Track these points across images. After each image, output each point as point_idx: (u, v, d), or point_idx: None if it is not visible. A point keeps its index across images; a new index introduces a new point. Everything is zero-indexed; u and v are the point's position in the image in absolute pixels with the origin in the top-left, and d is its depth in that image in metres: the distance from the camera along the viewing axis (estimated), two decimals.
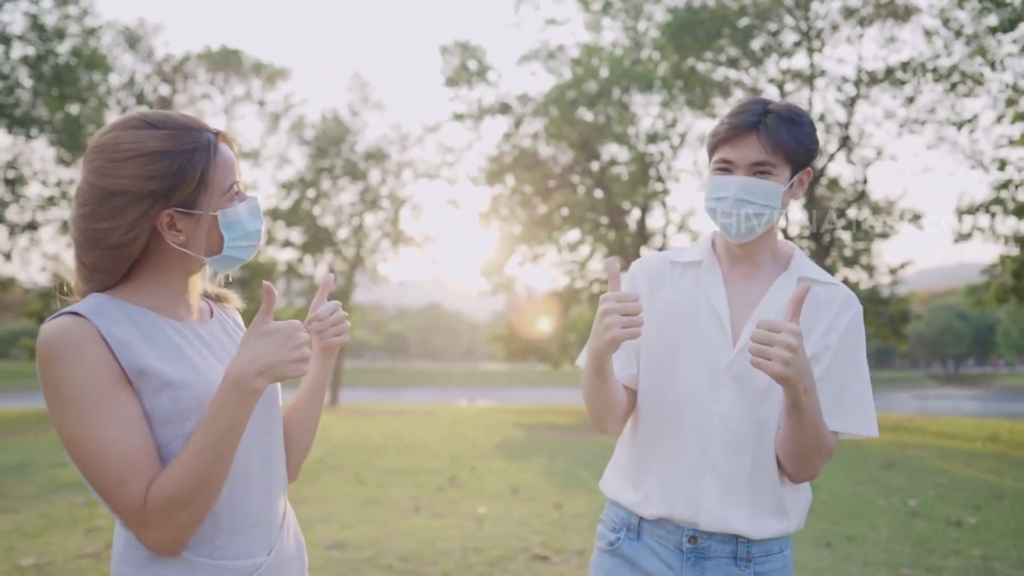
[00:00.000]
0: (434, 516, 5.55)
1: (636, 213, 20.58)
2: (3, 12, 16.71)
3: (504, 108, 20.78)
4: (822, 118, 18.67)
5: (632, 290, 1.52)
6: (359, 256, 24.88)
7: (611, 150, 20.36)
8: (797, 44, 18.55)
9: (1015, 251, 15.29)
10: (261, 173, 24.75)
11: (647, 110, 20.28)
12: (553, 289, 21.91)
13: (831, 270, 18.39)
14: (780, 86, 18.96)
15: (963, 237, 15.61)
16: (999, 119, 15.30)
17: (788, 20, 18.35)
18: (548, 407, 23.50)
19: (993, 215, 15.20)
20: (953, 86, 15.99)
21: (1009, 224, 15.30)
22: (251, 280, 19.64)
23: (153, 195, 1.04)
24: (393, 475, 7.59)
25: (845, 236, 18.86)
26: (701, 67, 18.63)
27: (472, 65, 20.92)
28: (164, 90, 22.38)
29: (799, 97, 19.03)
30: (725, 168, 1.38)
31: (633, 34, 20.39)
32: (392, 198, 25.14)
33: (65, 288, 1.15)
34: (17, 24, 17.20)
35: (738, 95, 18.74)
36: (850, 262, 19.33)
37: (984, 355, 79.77)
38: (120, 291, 1.10)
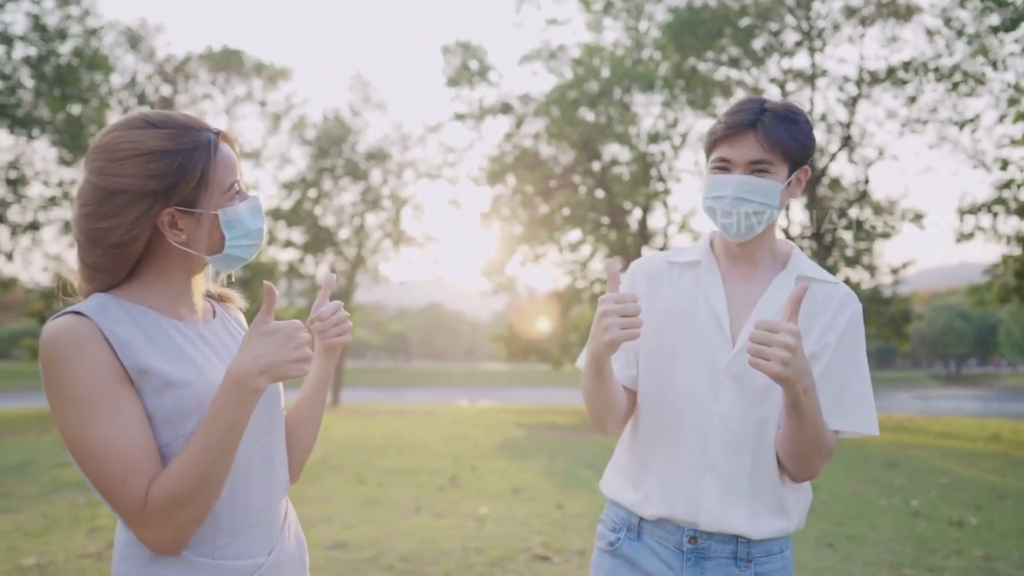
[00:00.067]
0: (435, 516, 5.55)
1: (637, 213, 20.58)
2: (5, 12, 16.73)
3: (505, 108, 20.79)
4: (824, 118, 18.65)
5: (631, 291, 1.51)
6: (360, 256, 24.89)
7: (612, 150, 20.36)
8: (799, 44, 18.53)
9: (1017, 251, 15.27)
10: (262, 173, 24.78)
11: (648, 110, 20.29)
12: (554, 289, 21.91)
13: (833, 270, 18.36)
14: (782, 86, 18.94)
15: (965, 237, 15.59)
16: (1001, 119, 15.28)
17: (789, 20, 18.34)
18: (549, 407, 23.50)
19: (995, 215, 15.17)
20: (955, 86, 15.96)
21: (1011, 224, 15.28)
22: (252, 280, 19.66)
23: (153, 194, 1.04)
24: (394, 475, 7.60)
25: (847, 236, 18.84)
26: (702, 67, 18.62)
27: (473, 65, 20.93)
28: (165, 90, 22.40)
29: (800, 97, 19.01)
30: (723, 167, 1.38)
31: (634, 34, 20.39)
32: (393, 198, 25.16)
33: (68, 288, 1.16)
34: (19, 24, 17.24)
35: (739, 95, 18.72)
36: (852, 262, 19.30)
37: (986, 355, 79.66)
38: (123, 291, 1.10)
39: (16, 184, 18.03)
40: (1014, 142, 14.80)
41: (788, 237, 18.65)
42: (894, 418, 19.31)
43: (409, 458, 9.05)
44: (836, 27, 18.08)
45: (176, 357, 1.06)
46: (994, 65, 15.00)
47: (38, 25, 17.00)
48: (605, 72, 19.29)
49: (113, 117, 19.17)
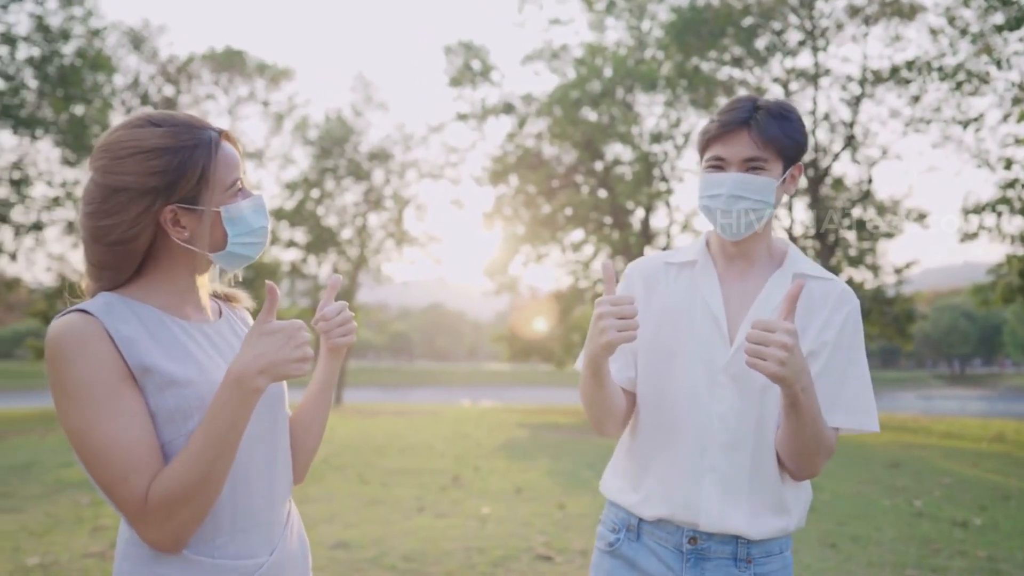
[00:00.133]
0: (438, 516, 5.55)
1: (640, 213, 20.57)
2: (8, 13, 16.79)
3: (508, 108, 20.79)
4: (827, 117, 18.63)
5: (628, 292, 1.51)
6: (363, 256, 24.92)
7: (615, 150, 20.36)
8: (802, 43, 18.50)
9: (1021, 250, 15.24)
10: (265, 173, 24.80)
11: (651, 110, 20.28)
12: (557, 289, 21.92)
13: (836, 270, 18.32)
14: (784, 85, 18.91)
15: (969, 236, 15.56)
16: (1005, 118, 15.25)
17: (792, 19, 18.32)
18: (552, 407, 23.49)
19: (999, 214, 15.14)
20: (959, 85, 15.92)
21: (1015, 223, 15.26)
22: (255, 280, 19.67)
23: (154, 191, 1.05)
24: (397, 475, 7.60)
25: (850, 236, 18.80)
26: (705, 66, 18.60)
27: (476, 65, 20.94)
28: (168, 91, 22.45)
29: (804, 96, 18.99)
30: (718, 165, 1.38)
31: (637, 33, 20.37)
32: (396, 198, 25.18)
33: (76, 289, 1.17)
34: (22, 25, 17.29)
35: (742, 95, 18.68)
36: (855, 262, 19.26)
37: (990, 355, 79.40)
38: (129, 290, 1.11)
39: (20, 184, 18.08)
40: (1018, 141, 14.77)
41: (792, 237, 18.70)
42: (898, 418, 19.26)
43: (411, 458, 9.05)
44: (839, 26, 18.04)
45: (179, 356, 1.07)
46: (998, 64, 14.96)
47: (41, 26, 17.05)
48: (608, 72, 19.29)
49: (116, 117, 19.22)
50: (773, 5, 17.76)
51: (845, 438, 11.83)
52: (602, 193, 20.40)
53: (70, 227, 18.35)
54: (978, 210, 15.29)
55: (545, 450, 10.24)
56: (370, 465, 8.29)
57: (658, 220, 35.73)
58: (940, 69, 16.19)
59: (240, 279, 1.31)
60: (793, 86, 18.93)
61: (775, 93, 18.95)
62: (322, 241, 24.16)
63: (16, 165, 18.07)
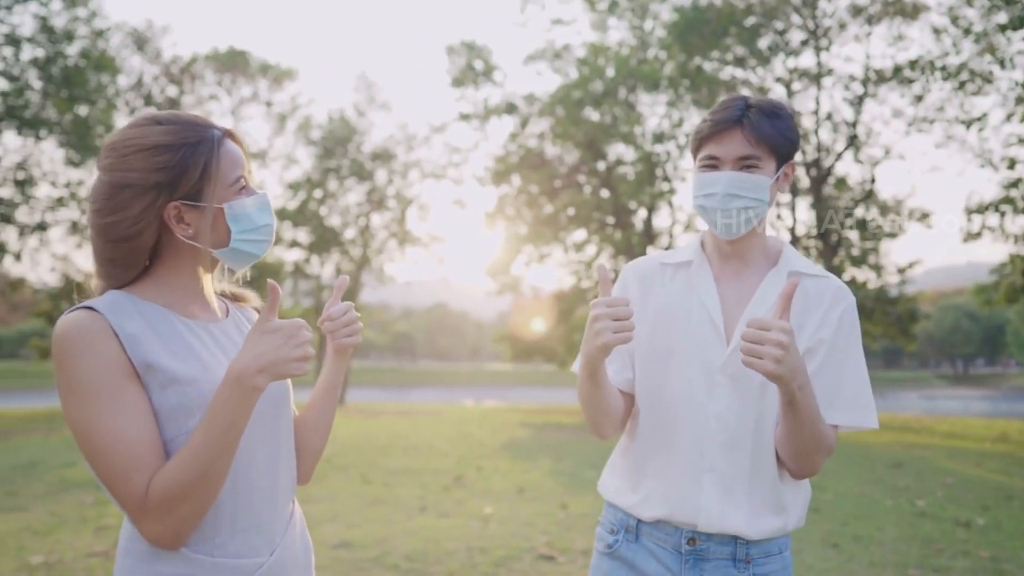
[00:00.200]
0: (440, 516, 5.56)
1: (642, 213, 20.57)
2: (13, 14, 16.83)
3: (510, 108, 20.80)
4: (830, 117, 18.59)
5: (623, 294, 1.51)
6: (366, 256, 24.96)
7: (617, 150, 20.35)
8: (804, 43, 18.48)
9: None
10: (268, 173, 24.83)
11: (653, 109, 20.28)
12: (559, 289, 21.91)
13: (839, 269, 18.30)
14: (787, 85, 18.89)
15: (972, 236, 15.51)
16: (1008, 117, 15.20)
17: (795, 19, 18.29)
18: (554, 407, 23.49)
19: (1002, 214, 15.09)
20: (962, 84, 15.88)
21: (1019, 223, 15.21)
22: (258, 279, 19.56)
23: (158, 187, 1.06)
24: (399, 475, 7.61)
25: (853, 235, 18.76)
26: (708, 66, 18.59)
27: (478, 65, 20.96)
28: (172, 91, 22.51)
29: (806, 96, 18.96)
30: (712, 164, 1.38)
31: (639, 33, 20.36)
32: (398, 198, 25.21)
33: (83, 288, 1.17)
34: (27, 26, 17.37)
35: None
36: (858, 261, 19.22)
37: (994, 355, 79.15)
38: (136, 288, 1.12)
39: (24, 185, 18.12)
40: (1021, 140, 14.73)
41: (795, 237, 18.66)
42: (900, 418, 19.22)
43: (414, 458, 9.06)
44: (842, 26, 18.01)
45: (183, 354, 1.08)
46: (1001, 63, 14.92)
47: (45, 27, 17.09)
48: (610, 72, 19.29)
49: (120, 118, 19.25)
50: (776, 5, 17.74)
51: (847, 438, 11.79)
52: (604, 193, 20.39)
53: (74, 227, 18.37)
54: (981, 210, 15.25)
55: (547, 450, 10.24)
56: (373, 465, 8.30)
57: (660, 220, 35.70)
58: (943, 68, 16.15)
59: (248, 279, 1.32)
60: (796, 86, 18.90)
61: (778, 93, 18.93)
62: (325, 241, 24.21)
63: (20, 166, 18.11)
